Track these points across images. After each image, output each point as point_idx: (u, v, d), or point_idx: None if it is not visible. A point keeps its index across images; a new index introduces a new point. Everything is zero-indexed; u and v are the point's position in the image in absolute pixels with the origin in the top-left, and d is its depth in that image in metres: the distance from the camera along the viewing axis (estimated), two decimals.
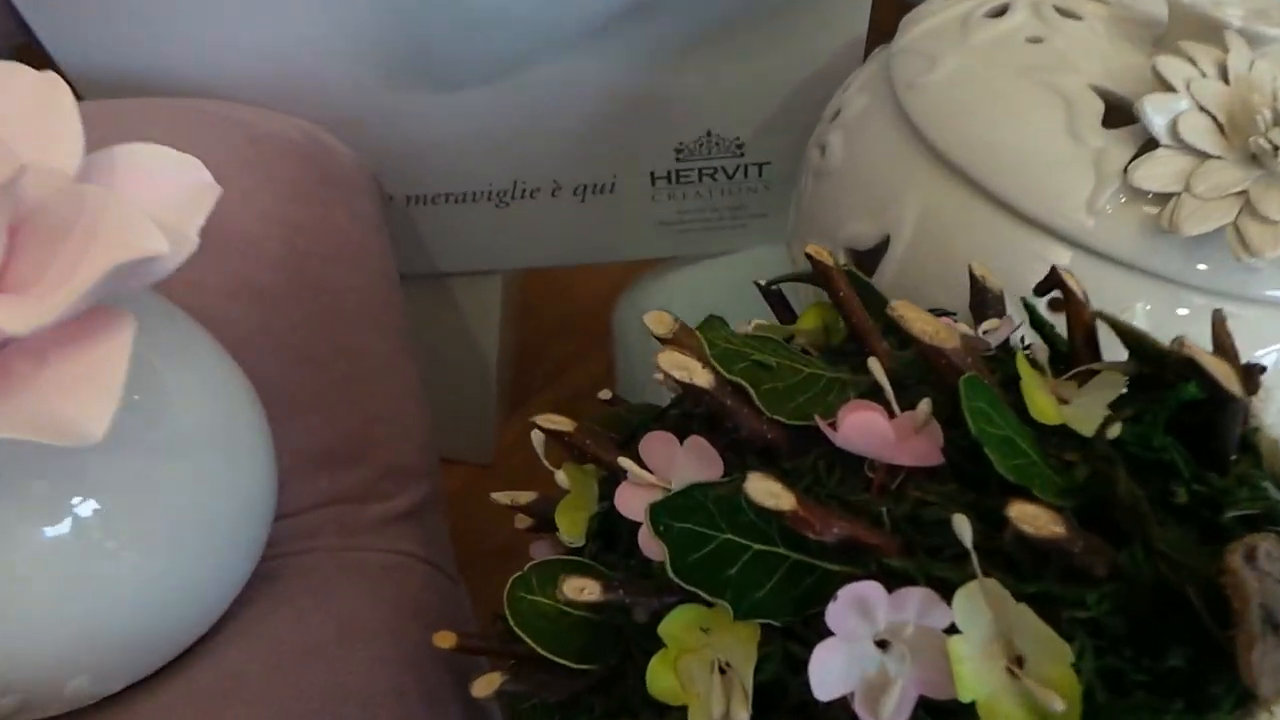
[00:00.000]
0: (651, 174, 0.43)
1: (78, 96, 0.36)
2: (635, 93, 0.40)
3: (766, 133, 0.42)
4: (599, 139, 0.41)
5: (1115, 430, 0.16)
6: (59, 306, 0.15)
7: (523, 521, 0.23)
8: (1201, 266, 0.24)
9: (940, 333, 0.17)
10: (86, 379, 0.15)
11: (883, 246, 0.28)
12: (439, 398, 0.58)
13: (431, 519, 0.29)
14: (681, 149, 0.42)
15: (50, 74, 0.18)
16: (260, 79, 0.38)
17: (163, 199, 0.18)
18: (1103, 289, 0.25)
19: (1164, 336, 0.22)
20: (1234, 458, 0.16)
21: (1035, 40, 0.28)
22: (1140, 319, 0.24)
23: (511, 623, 0.18)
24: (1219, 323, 0.19)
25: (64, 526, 0.19)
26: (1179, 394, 0.16)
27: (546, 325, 0.71)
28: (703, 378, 0.18)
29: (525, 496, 0.23)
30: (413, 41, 0.37)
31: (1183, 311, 0.24)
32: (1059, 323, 0.21)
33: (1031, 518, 0.14)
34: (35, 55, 0.38)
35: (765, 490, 0.15)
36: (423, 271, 0.49)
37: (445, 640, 0.21)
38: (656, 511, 0.16)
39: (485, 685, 0.19)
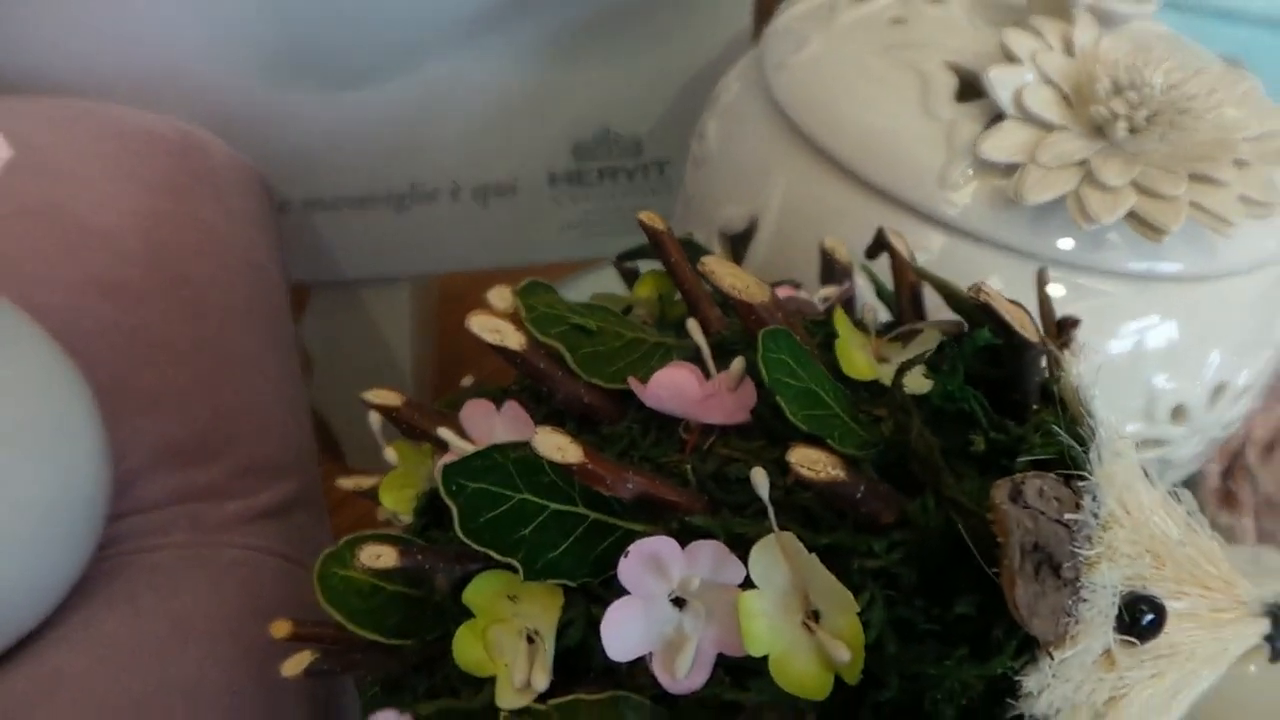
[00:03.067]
0: (551, 174, 0.43)
1: None
2: (528, 90, 0.39)
3: (664, 130, 0.41)
4: (494, 138, 0.41)
5: (917, 382, 0.16)
6: None
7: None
8: (1054, 240, 0.24)
9: (750, 288, 0.17)
10: None
11: (753, 229, 0.28)
12: (356, 408, 0.57)
13: (298, 516, 0.28)
14: (579, 148, 0.42)
15: None
16: (140, 78, 0.37)
17: None
18: (957, 262, 0.25)
19: None
20: (1035, 407, 0.16)
21: (899, 21, 0.28)
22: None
23: (322, 599, 0.18)
24: (1040, 281, 0.19)
25: None
26: (975, 340, 0.16)
27: (471, 341, 0.70)
28: (514, 340, 0.17)
29: (369, 481, 0.22)
30: (292, 39, 0.36)
31: (1030, 285, 0.24)
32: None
33: (811, 461, 0.14)
34: None
35: (552, 444, 0.15)
36: (329, 279, 0.48)
37: (281, 629, 0.20)
38: (448, 471, 0.15)
39: (294, 665, 0.18)
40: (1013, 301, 0.16)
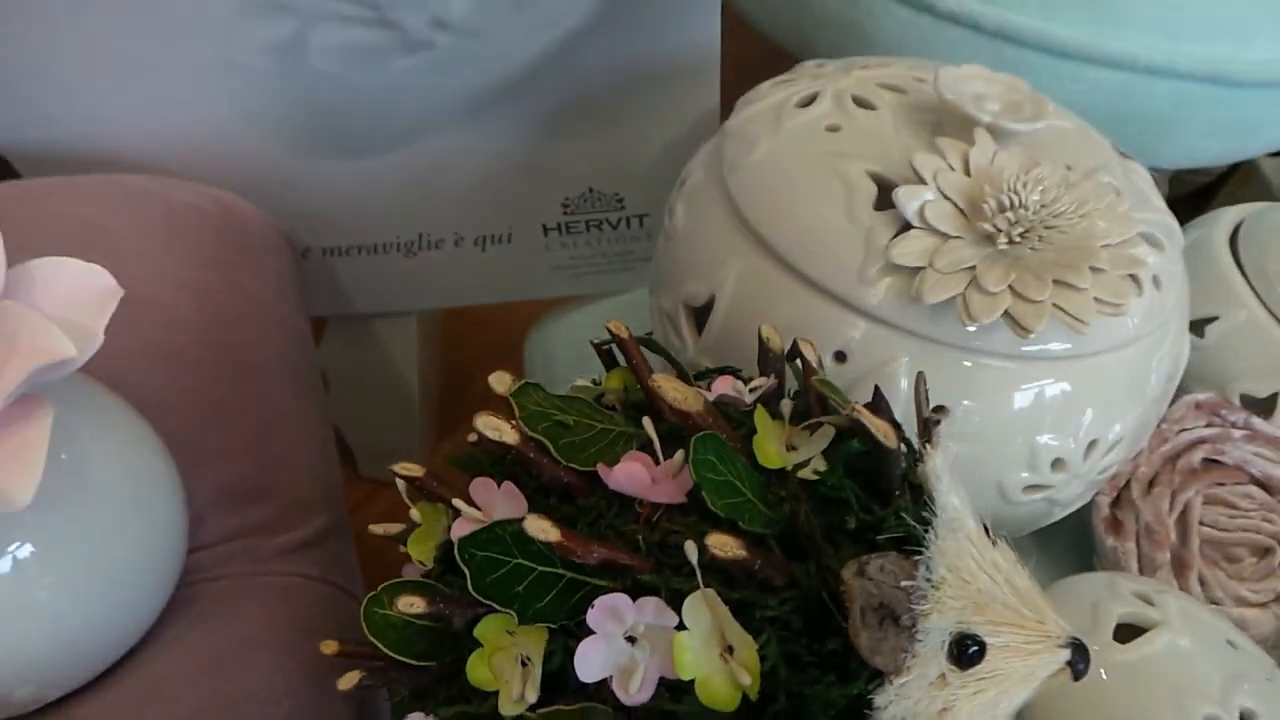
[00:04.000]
0: (543, 225, 0.48)
1: (16, 172, 0.40)
2: (521, 157, 0.44)
3: (643, 188, 0.47)
4: (492, 197, 0.46)
5: (819, 461, 0.22)
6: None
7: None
8: (953, 328, 0.29)
9: (688, 399, 0.22)
10: (14, 458, 0.19)
11: (711, 305, 0.33)
12: (368, 425, 0.63)
13: (332, 545, 0.34)
14: (568, 204, 0.47)
15: None
16: (179, 150, 0.42)
17: (74, 304, 0.22)
18: (877, 344, 0.30)
19: (931, 390, 0.27)
20: (898, 493, 0.21)
21: (833, 129, 0.33)
22: (902, 369, 0.30)
23: (366, 631, 0.23)
24: (917, 385, 0.24)
25: (5, 566, 0.23)
26: (849, 448, 0.21)
27: (470, 354, 0.76)
28: (510, 436, 0.23)
29: (396, 528, 0.28)
30: (313, 119, 0.41)
31: (935, 363, 0.29)
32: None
33: (722, 544, 0.19)
34: None
35: (538, 527, 0.20)
36: (343, 313, 0.53)
37: (329, 647, 0.26)
38: (463, 543, 0.21)
39: (347, 680, 0.24)
40: (882, 415, 0.21)
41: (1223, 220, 0.44)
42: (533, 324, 0.61)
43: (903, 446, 0.21)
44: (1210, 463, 0.36)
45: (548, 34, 0.38)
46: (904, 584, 0.19)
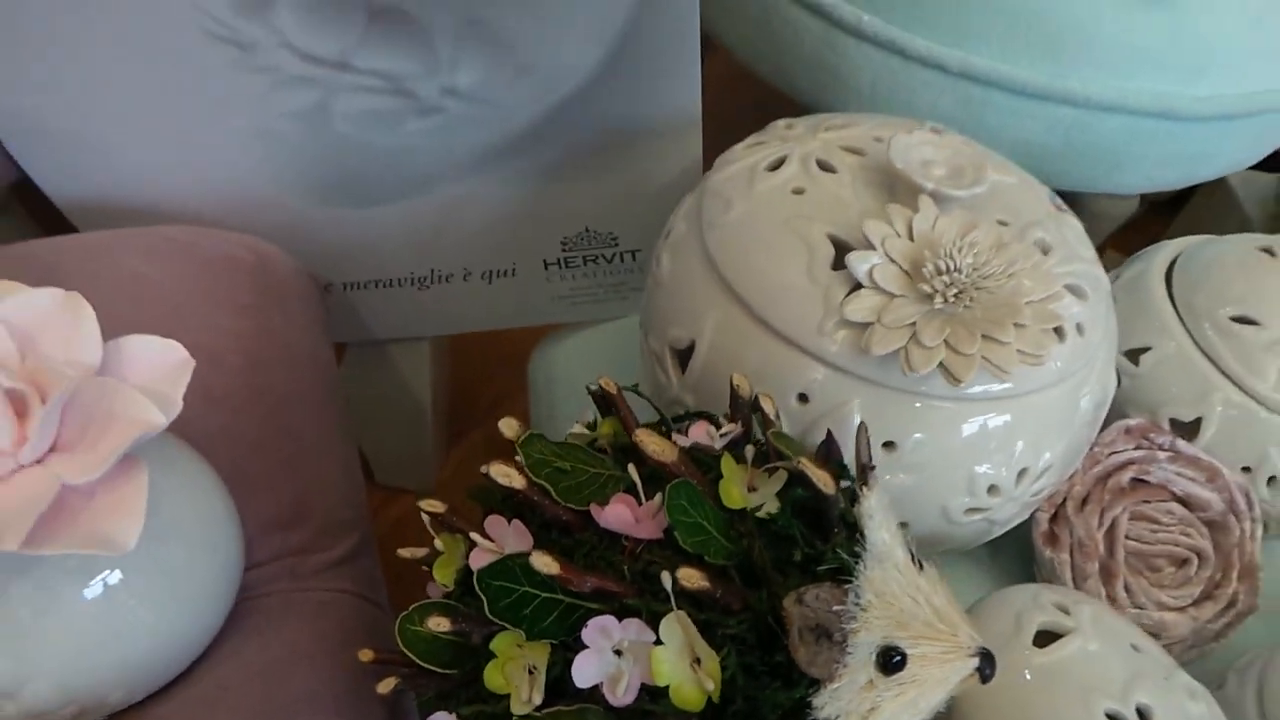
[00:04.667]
0: (544, 261, 0.53)
1: (73, 225, 0.45)
2: (523, 202, 0.49)
3: (635, 227, 0.51)
4: (497, 237, 0.51)
5: (772, 503, 0.26)
6: (102, 465, 0.24)
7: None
8: (895, 373, 0.34)
9: (664, 451, 0.27)
10: (118, 510, 0.24)
11: (693, 349, 0.38)
12: (384, 438, 0.68)
13: (362, 562, 0.39)
14: (566, 242, 0.51)
15: (76, 294, 0.27)
16: (216, 200, 0.46)
17: (156, 375, 0.27)
18: (831, 389, 0.34)
19: (874, 424, 0.32)
20: (837, 530, 0.26)
21: (799, 191, 0.37)
22: (856, 410, 0.34)
23: (400, 644, 0.28)
24: (860, 434, 0.29)
25: (98, 589, 0.28)
26: (794, 493, 0.26)
27: (478, 368, 0.80)
28: (518, 481, 0.27)
29: (421, 552, 0.32)
30: (336, 173, 0.46)
31: (885, 404, 0.34)
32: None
33: (688, 577, 0.24)
34: (30, 188, 0.46)
35: (542, 562, 0.25)
36: (362, 339, 0.58)
37: (366, 656, 0.31)
38: (480, 575, 0.25)
39: (385, 685, 0.28)
40: (831, 458, 0.26)
41: (1161, 254, 0.48)
42: (535, 344, 0.65)
43: (840, 494, 0.26)
44: (1138, 482, 0.41)
45: (546, 99, 0.43)
46: (835, 608, 0.24)
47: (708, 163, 0.45)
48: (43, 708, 0.27)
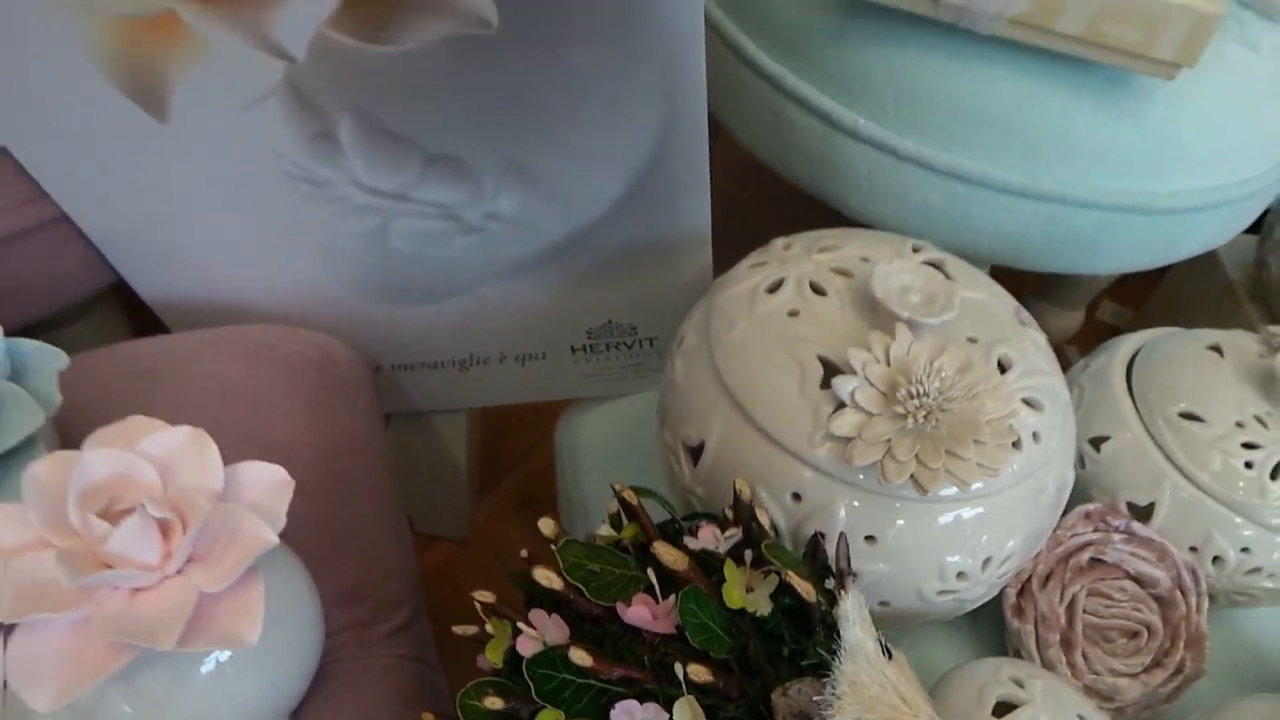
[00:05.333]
0: (571, 347, 0.59)
1: (165, 325, 0.51)
2: (553, 300, 0.55)
3: (652, 319, 0.57)
4: (529, 328, 0.57)
5: (764, 604, 0.32)
6: (230, 577, 0.30)
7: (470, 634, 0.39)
8: (874, 478, 0.39)
9: (677, 561, 0.33)
10: (243, 613, 0.30)
11: (703, 448, 0.44)
12: (423, 492, 0.74)
13: (415, 628, 0.45)
14: (591, 331, 0.58)
15: (201, 431, 0.34)
16: (290, 301, 0.53)
17: (263, 494, 0.33)
18: (820, 490, 0.40)
19: (857, 520, 0.38)
20: (818, 629, 0.32)
21: (794, 313, 0.43)
22: (842, 509, 0.40)
23: (461, 716, 0.34)
24: (840, 543, 0.35)
25: (212, 666, 0.34)
26: (783, 602, 0.32)
27: (506, 423, 0.87)
28: (556, 583, 0.33)
29: (472, 630, 0.38)
30: (391, 280, 0.52)
31: (866, 503, 0.40)
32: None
33: (696, 672, 0.30)
34: (126, 289, 0.53)
35: (578, 655, 0.31)
36: (407, 410, 0.64)
37: (427, 719, 0.37)
38: (528, 664, 0.31)
39: None
40: (817, 557, 0.32)
41: (1124, 347, 0.54)
42: (558, 404, 0.71)
43: (822, 598, 0.32)
44: (1095, 561, 0.46)
45: (574, 221, 0.49)
46: (815, 699, 0.30)
47: (715, 231, 0.51)
48: None
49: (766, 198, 0.77)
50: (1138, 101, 0.59)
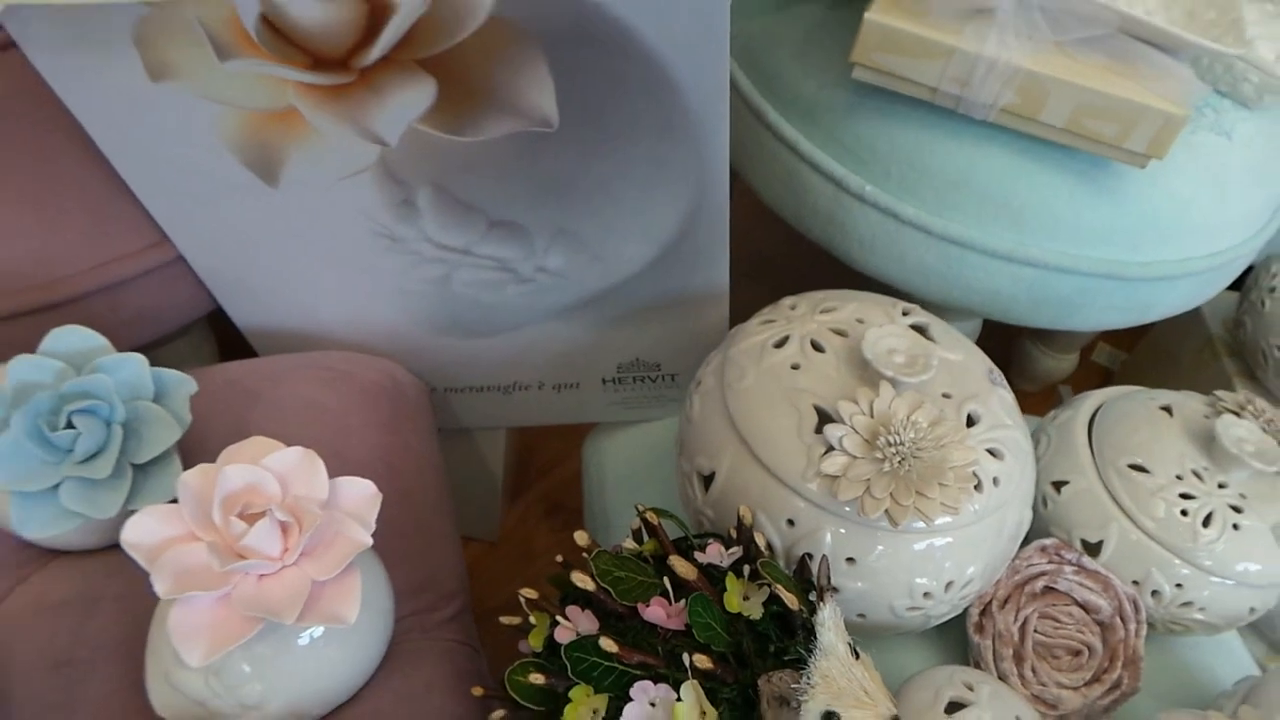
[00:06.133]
0: (602, 378, 0.67)
1: (249, 347, 0.60)
2: (588, 338, 0.63)
3: (675, 358, 0.65)
4: (566, 362, 0.65)
5: (757, 609, 0.40)
6: (335, 569, 0.38)
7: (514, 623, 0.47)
8: (856, 512, 0.47)
9: (688, 572, 0.41)
10: (344, 598, 0.39)
11: (714, 476, 0.52)
12: (462, 499, 0.83)
13: (464, 617, 0.53)
14: (620, 366, 0.66)
15: (311, 451, 0.42)
16: (365, 331, 0.61)
17: (357, 503, 0.42)
18: (810, 518, 0.48)
19: (841, 544, 0.45)
20: (800, 632, 0.39)
21: (795, 367, 0.51)
22: (829, 535, 0.48)
23: (509, 690, 0.42)
24: (822, 563, 0.42)
25: (307, 640, 0.42)
26: (773, 609, 0.39)
27: (536, 436, 0.95)
28: (590, 585, 0.41)
29: (516, 620, 0.46)
30: (452, 318, 0.60)
31: (849, 531, 0.47)
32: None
33: (700, 660, 0.38)
34: (222, 316, 0.62)
35: (606, 643, 0.39)
36: (454, 427, 0.73)
37: (477, 691, 0.45)
38: (566, 648, 0.39)
39: (496, 715, 0.42)
40: (805, 573, 0.40)
41: (1088, 402, 0.61)
42: (590, 436, 0.79)
43: (804, 606, 0.39)
44: (1048, 589, 0.54)
45: (611, 277, 0.57)
46: (793, 686, 0.37)
47: (733, 263, 0.58)
48: (274, 718, 0.42)
49: (781, 235, 0.85)
50: (1116, 180, 0.66)
